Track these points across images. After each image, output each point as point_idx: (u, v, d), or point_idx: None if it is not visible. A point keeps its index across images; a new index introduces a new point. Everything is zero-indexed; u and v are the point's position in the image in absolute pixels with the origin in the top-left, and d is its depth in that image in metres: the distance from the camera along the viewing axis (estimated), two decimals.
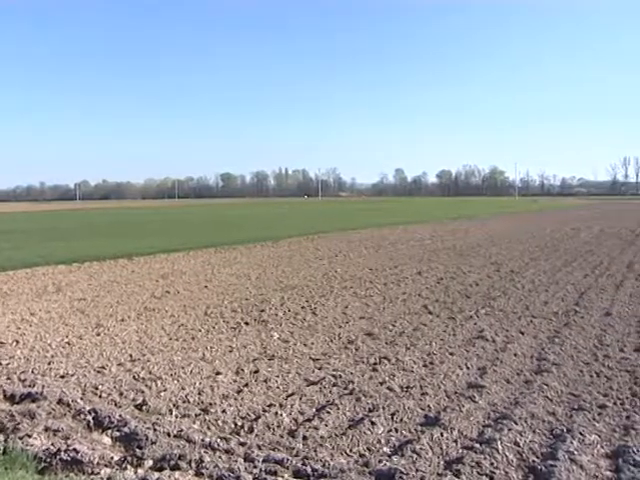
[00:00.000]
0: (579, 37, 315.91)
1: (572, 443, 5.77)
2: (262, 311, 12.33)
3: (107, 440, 6.00)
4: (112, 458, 5.52)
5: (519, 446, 5.78)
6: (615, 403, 6.98)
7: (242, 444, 5.82)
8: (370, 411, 6.71)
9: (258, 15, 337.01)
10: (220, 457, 5.52)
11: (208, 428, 6.30)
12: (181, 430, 6.11)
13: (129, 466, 5.42)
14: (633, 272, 17.68)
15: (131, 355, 9.15)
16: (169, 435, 6.00)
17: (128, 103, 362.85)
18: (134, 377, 8.02)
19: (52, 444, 5.75)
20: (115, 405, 7.01)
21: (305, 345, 9.70)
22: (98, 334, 10.50)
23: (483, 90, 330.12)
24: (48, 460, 5.46)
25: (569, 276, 17.00)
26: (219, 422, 6.45)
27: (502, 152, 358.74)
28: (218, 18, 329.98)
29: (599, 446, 5.80)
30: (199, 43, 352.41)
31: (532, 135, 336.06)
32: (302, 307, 12.75)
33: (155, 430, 6.08)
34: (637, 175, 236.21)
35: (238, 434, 6.13)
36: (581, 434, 6.02)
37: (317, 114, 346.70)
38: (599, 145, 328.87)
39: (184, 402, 7.07)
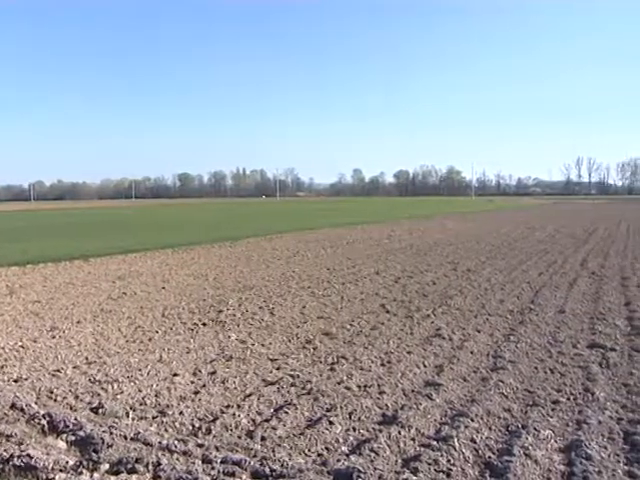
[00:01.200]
0: (533, 36, 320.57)
1: (527, 439, 5.87)
2: (220, 312, 12.27)
3: (62, 444, 5.91)
4: (67, 463, 5.44)
5: (475, 443, 5.85)
6: (568, 398, 7.11)
7: (200, 446, 5.79)
8: (328, 411, 6.72)
9: (211, 12, 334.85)
10: (178, 459, 5.48)
11: (165, 430, 6.24)
12: (138, 433, 6.05)
13: (85, 470, 5.34)
14: (586, 270, 18.00)
15: (87, 358, 9.04)
16: (126, 438, 5.94)
17: (85, 102, 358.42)
18: (90, 380, 7.92)
19: (5, 450, 5.65)
20: (70, 409, 6.91)
21: (263, 345, 9.68)
22: (53, 337, 10.35)
23: (439, 90, 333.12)
24: (1, 466, 5.36)
25: (524, 274, 17.24)
26: (176, 424, 6.40)
27: (459, 152, 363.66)
28: (163, 12, 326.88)
29: (553, 441, 5.90)
30: (148, 42, 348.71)
31: (489, 135, 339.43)
32: (260, 307, 12.73)
33: (111, 433, 6.02)
34: (590, 175, 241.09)
35: (196, 436, 6.09)
36: (535, 429, 6.12)
37: (275, 114, 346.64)
38: (554, 146, 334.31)
39: (141, 404, 7.01)
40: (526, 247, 25.68)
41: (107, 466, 5.41)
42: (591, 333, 10.25)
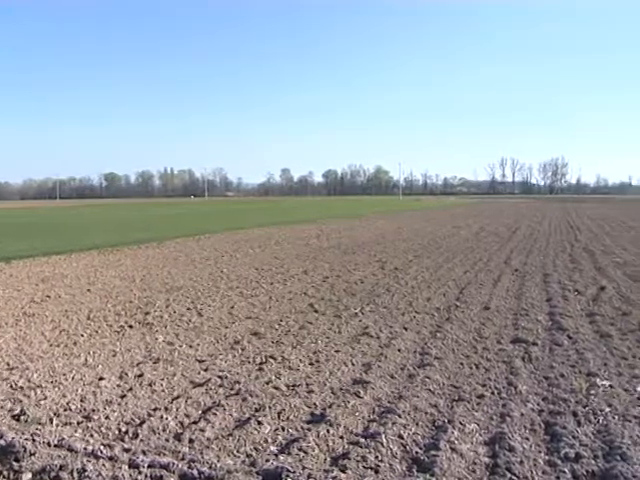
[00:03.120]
0: (456, 36, 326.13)
1: (453, 433, 5.99)
2: (147, 313, 12.10)
3: None
4: None
5: (403, 439, 5.93)
6: (493, 393, 7.27)
7: (126, 450, 5.70)
8: (257, 411, 6.71)
9: (132, 10, 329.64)
10: (104, 465, 5.38)
11: (91, 436, 6.11)
12: (62, 439, 5.91)
13: None
14: (510, 267, 18.44)
15: (8, 363, 8.77)
16: (49, 445, 5.80)
17: (6, 100, 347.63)
18: (11, 386, 7.69)
19: None
20: None
21: (191, 347, 9.59)
22: None
23: (366, 90, 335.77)
24: None
25: (450, 272, 17.55)
26: (102, 429, 6.28)
27: (387, 152, 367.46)
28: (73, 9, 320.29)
29: (478, 434, 6.04)
30: (69, 38, 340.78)
31: (415, 136, 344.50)
32: (188, 308, 12.60)
33: (34, 441, 5.86)
34: (513, 175, 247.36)
35: (122, 440, 5.99)
36: (461, 424, 6.25)
37: (203, 114, 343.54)
38: (479, 146, 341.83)
39: (65, 410, 6.84)
40: (452, 245, 26.15)
41: (30, 475, 5.27)
42: (514, 329, 10.51)
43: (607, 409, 6.68)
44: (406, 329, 10.57)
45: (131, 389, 7.53)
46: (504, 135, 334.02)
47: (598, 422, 6.34)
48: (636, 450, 5.60)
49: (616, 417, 6.47)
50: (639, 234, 31.98)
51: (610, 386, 7.45)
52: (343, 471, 5.23)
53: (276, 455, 5.59)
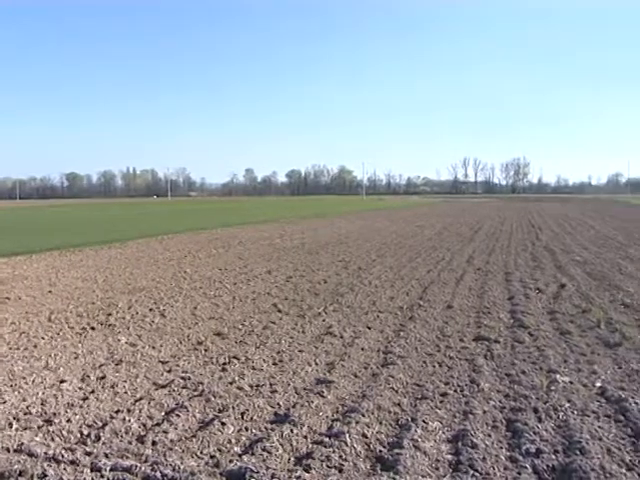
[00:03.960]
0: (419, 39, 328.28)
1: (416, 431, 6.03)
2: (109, 315, 11.97)
3: None
4: None
5: (367, 437, 5.97)
6: (455, 390, 7.35)
7: (88, 454, 5.64)
8: (220, 411, 6.69)
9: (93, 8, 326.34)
10: (65, 469, 5.32)
11: (52, 440, 6.03)
12: (22, 444, 5.82)
13: None
14: (472, 266, 18.63)
15: None
16: (9, 450, 5.71)
17: None
18: None
19: None
20: None
21: (154, 348, 9.52)
22: None
23: (331, 90, 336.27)
24: None
25: (414, 272, 17.66)
26: (64, 432, 6.20)
27: (351, 152, 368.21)
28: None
29: (441, 432, 6.10)
30: (26, 37, 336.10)
31: (380, 136, 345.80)
32: (150, 309, 12.50)
33: None
34: (476, 175, 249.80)
35: (84, 444, 5.92)
36: (424, 422, 6.30)
37: (166, 113, 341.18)
38: (442, 146, 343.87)
39: (25, 414, 6.74)
40: (415, 245, 26.31)
41: None
42: (477, 327, 10.62)
43: (567, 405, 6.79)
44: (369, 328, 10.62)
45: (93, 391, 7.45)
46: (467, 135, 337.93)
47: (558, 418, 6.44)
48: (594, 444, 5.70)
49: (575, 412, 6.58)
50: (599, 233, 32.49)
51: (570, 382, 7.58)
52: (307, 471, 5.24)
53: (240, 456, 5.58)
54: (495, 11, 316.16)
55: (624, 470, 5.25)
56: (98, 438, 6.02)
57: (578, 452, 5.53)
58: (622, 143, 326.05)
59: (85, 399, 7.18)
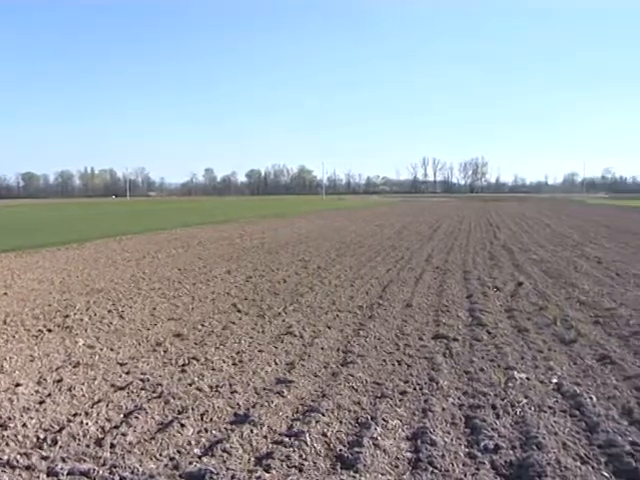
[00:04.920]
0: (380, 39, 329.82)
1: (376, 429, 6.06)
2: (66, 317, 11.80)
3: None
4: None
5: (327, 437, 5.98)
6: (415, 389, 7.41)
7: (45, 458, 5.55)
8: (179, 413, 6.64)
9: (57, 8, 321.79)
10: (20, 475, 5.23)
11: (7, 445, 5.91)
12: None
13: None
14: (431, 265, 18.79)
15: None
16: None
17: None
18: None
19: None
20: None
21: (112, 350, 9.42)
22: None
23: (291, 89, 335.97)
24: None
25: (373, 271, 17.74)
26: (19, 437, 6.09)
27: (310, 152, 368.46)
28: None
29: (400, 430, 6.14)
30: None
31: (339, 135, 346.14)
32: (109, 311, 12.36)
33: None
34: (435, 174, 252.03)
35: (40, 448, 5.82)
36: (384, 420, 6.34)
37: (124, 112, 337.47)
38: (402, 146, 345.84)
39: None
40: (375, 244, 26.45)
41: None
42: (436, 325, 10.71)
43: (524, 401, 6.89)
44: (329, 328, 10.64)
45: (50, 395, 7.33)
46: (426, 135, 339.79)
47: (516, 414, 6.53)
48: (550, 439, 5.79)
49: (532, 408, 6.67)
50: (555, 232, 33.02)
51: (527, 379, 7.68)
52: (267, 471, 5.23)
53: (199, 457, 5.55)
54: (447, 10, 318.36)
55: (579, 464, 5.34)
56: (55, 442, 5.93)
57: (535, 447, 5.61)
58: (578, 144, 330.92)
59: (41, 403, 7.07)
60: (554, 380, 7.65)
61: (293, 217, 54.51)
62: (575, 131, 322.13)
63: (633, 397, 6.97)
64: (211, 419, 6.49)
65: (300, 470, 5.28)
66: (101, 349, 9.46)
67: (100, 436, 6.10)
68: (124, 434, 6.07)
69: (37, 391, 7.51)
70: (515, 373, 7.88)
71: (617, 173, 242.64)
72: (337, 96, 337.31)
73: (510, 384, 7.48)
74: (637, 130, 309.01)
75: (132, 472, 5.22)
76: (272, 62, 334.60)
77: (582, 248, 23.57)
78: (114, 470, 5.26)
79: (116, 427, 6.28)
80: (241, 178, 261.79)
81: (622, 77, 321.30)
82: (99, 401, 7.10)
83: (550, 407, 6.71)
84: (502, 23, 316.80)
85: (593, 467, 5.32)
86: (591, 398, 6.90)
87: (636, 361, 8.42)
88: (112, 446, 5.82)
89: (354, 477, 5.13)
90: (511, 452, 5.61)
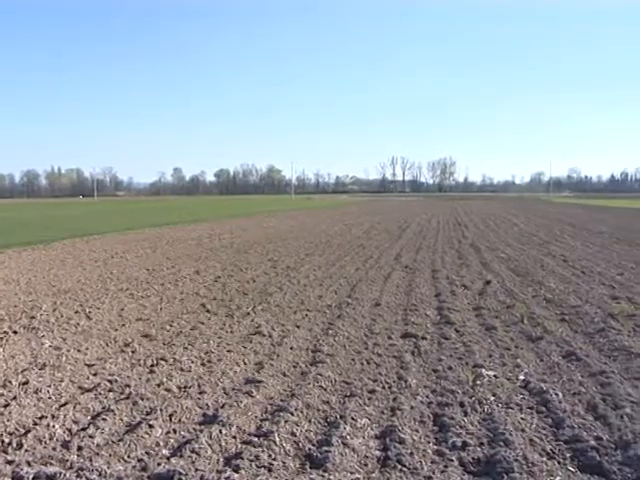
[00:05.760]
0: (346, 38, 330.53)
1: (345, 428, 6.08)
2: (32, 318, 11.64)
3: None
4: None
5: (296, 436, 5.98)
6: (384, 387, 7.45)
7: (10, 462, 5.46)
8: (148, 414, 6.59)
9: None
10: None
11: None
12: None
13: None
14: (400, 264, 18.88)
15: None
16: None
17: None
18: None
19: None
20: None
21: (79, 351, 9.31)
22: None
23: (258, 88, 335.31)
24: None
25: (342, 270, 17.77)
26: None
27: (280, 151, 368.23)
28: None
29: (369, 429, 6.17)
30: None
31: (309, 134, 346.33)
32: (76, 312, 12.21)
33: None
34: (403, 173, 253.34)
35: (5, 452, 5.73)
36: (353, 419, 6.36)
37: (92, 112, 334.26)
38: (371, 145, 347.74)
39: None
40: (344, 243, 26.51)
41: None
42: (404, 324, 10.76)
43: (492, 398, 6.96)
44: (298, 327, 10.64)
45: (15, 398, 7.21)
46: (395, 135, 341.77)
47: (483, 411, 6.59)
48: (517, 435, 5.86)
49: (500, 405, 6.75)
50: (522, 230, 33.38)
51: (495, 376, 7.76)
52: (236, 471, 5.21)
53: (168, 458, 5.51)
54: (415, 10, 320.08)
55: (545, 459, 5.42)
56: (20, 445, 5.84)
57: (502, 444, 5.67)
58: (544, 143, 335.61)
59: (6, 406, 6.96)
60: (521, 377, 7.74)
61: (262, 216, 54.43)
62: (542, 131, 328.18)
63: (598, 393, 7.07)
64: (180, 420, 6.46)
65: (269, 470, 5.27)
66: (68, 350, 9.34)
67: (67, 439, 6.02)
68: (91, 436, 6.01)
69: (2, 394, 7.38)
70: (483, 371, 7.96)
71: (583, 172, 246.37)
72: (307, 96, 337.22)
73: (478, 382, 7.54)
74: (602, 130, 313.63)
75: (100, 474, 5.17)
76: (240, 61, 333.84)
77: (548, 246, 23.88)
78: (81, 473, 5.19)
79: (83, 429, 6.21)
80: (210, 178, 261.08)
81: (587, 79, 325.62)
82: (66, 403, 7.02)
83: (517, 404, 6.79)
84: (470, 24, 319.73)
85: (559, 462, 5.40)
86: (557, 394, 6.99)
87: (601, 357, 8.57)
88: (79, 449, 5.76)
89: (323, 476, 5.14)
90: (479, 449, 5.66)
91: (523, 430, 6.04)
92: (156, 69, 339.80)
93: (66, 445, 5.86)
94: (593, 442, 5.70)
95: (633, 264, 18.31)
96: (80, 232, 34.55)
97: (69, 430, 6.24)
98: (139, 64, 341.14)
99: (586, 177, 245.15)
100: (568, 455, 5.53)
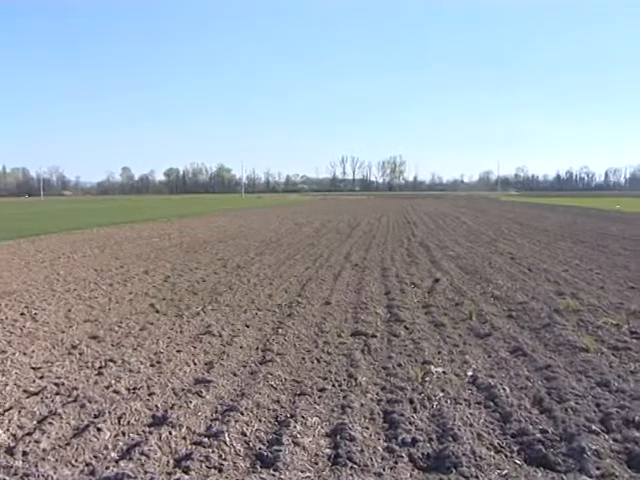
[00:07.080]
0: (303, 38, 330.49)
1: (295, 427, 6.09)
2: None
3: None
4: None
5: (246, 436, 5.98)
6: (333, 385, 7.48)
7: None
8: (96, 417, 6.49)
9: None
10: None
11: None
12: None
13: None
14: (350, 262, 18.95)
15: None
16: None
17: None
18: None
19: None
20: None
21: (25, 354, 9.11)
22: None
23: (210, 88, 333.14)
24: None
25: (292, 269, 17.77)
26: None
27: (229, 150, 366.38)
28: None
29: (320, 427, 6.19)
30: None
31: (258, 135, 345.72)
32: (21, 314, 11.95)
33: None
34: (354, 172, 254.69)
35: None
36: (303, 418, 6.38)
37: (37, 110, 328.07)
38: (321, 145, 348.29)
39: None
40: (294, 242, 26.51)
41: None
42: (354, 322, 10.81)
43: (440, 394, 7.05)
44: (248, 326, 10.62)
45: None
46: (345, 135, 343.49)
47: (432, 407, 6.68)
48: (466, 430, 5.95)
49: (448, 401, 6.85)
50: (470, 228, 33.82)
51: (443, 372, 7.87)
52: (186, 472, 5.19)
53: (117, 461, 5.44)
54: (361, 8, 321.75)
55: (492, 453, 5.53)
56: None
57: (451, 439, 5.76)
58: (492, 143, 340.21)
59: None
60: (469, 373, 7.86)
61: (212, 216, 54.11)
62: (491, 131, 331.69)
63: (544, 387, 7.22)
64: (128, 422, 6.38)
65: (220, 470, 5.26)
66: (13, 353, 9.14)
67: (12, 444, 5.88)
68: (37, 441, 5.89)
69: None
70: (432, 367, 8.06)
71: (530, 172, 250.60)
72: (256, 95, 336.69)
73: (427, 378, 7.63)
74: (548, 130, 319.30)
75: None
76: (187, 60, 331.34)
77: (496, 244, 24.24)
78: (26, 479, 5.10)
79: (29, 434, 6.08)
80: (159, 177, 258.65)
81: (534, 79, 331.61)
82: (10, 408, 6.86)
83: (465, 399, 6.90)
84: (416, 22, 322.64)
85: (506, 456, 5.51)
86: (504, 389, 7.11)
87: (546, 352, 8.75)
88: (24, 454, 5.63)
89: (274, 475, 5.14)
90: (428, 445, 5.73)
91: (471, 425, 6.14)
92: (103, 68, 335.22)
93: (10, 451, 5.72)
94: (539, 435, 5.82)
95: (577, 261, 18.73)
96: (26, 232, 33.86)
97: (14, 435, 6.11)
98: (85, 65, 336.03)
99: (533, 176, 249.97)
100: (515, 448, 5.64)
